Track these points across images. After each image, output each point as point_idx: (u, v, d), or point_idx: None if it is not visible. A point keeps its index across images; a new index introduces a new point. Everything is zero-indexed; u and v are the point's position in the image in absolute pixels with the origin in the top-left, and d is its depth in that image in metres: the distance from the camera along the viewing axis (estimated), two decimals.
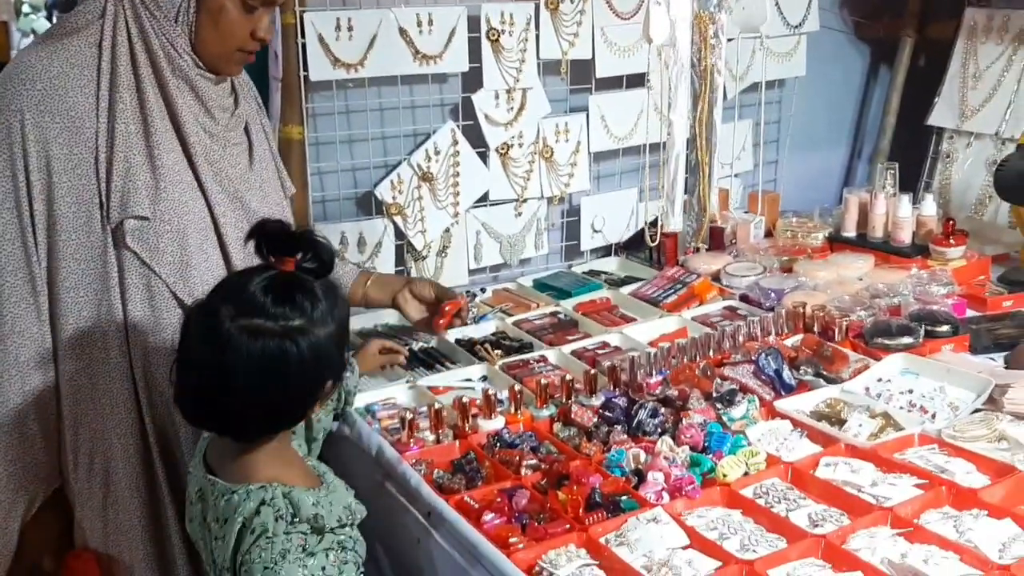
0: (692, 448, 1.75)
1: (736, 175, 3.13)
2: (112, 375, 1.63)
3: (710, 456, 1.72)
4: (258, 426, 1.38)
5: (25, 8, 6.97)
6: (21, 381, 1.60)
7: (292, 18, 2.30)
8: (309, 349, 1.33)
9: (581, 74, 2.77)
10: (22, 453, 1.62)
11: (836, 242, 2.81)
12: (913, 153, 3.28)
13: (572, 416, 1.88)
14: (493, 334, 2.41)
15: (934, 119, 3.22)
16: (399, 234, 2.60)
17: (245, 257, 1.60)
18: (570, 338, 2.36)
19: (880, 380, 2.03)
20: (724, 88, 2.77)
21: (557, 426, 1.89)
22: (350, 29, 2.37)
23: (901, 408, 1.91)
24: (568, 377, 1.99)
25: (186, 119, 1.63)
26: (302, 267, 1.37)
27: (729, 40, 2.89)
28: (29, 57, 1.58)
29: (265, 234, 1.39)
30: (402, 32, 2.44)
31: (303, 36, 2.32)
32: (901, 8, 3.32)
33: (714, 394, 1.92)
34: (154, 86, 1.60)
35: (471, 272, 2.76)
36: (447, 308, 2.14)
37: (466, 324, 2.28)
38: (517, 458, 1.73)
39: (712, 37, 2.59)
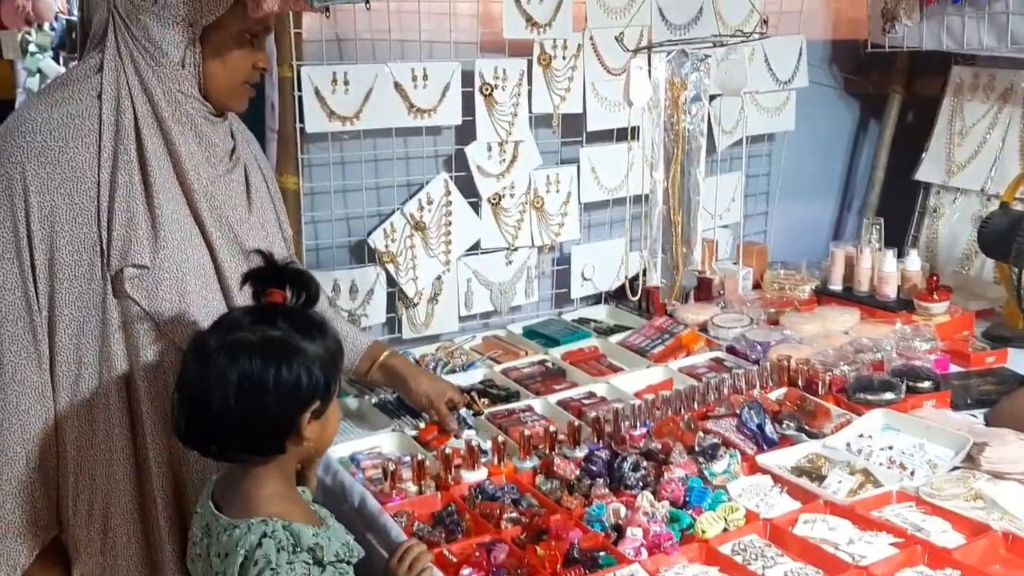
0: (672, 503, 1.76)
1: (725, 226, 3.17)
2: (112, 421, 1.64)
3: (690, 511, 1.74)
4: (245, 441, 1.43)
5: (31, 48, 7.08)
6: (21, 430, 1.61)
7: (289, 71, 2.36)
8: (289, 357, 1.41)
9: (572, 127, 2.83)
10: (23, 501, 1.63)
11: (823, 295, 2.84)
12: (901, 207, 3.33)
13: (555, 468, 1.90)
14: (481, 382, 2.44)
15: (921, 174, 3.27)
16: (391, 281, 2.63)
17: (245, 302, 1.62)
18: (557, 387, 2.38)
19: (861, 436, 2.05)
20: (713, 144, 2.82)
21: (540, 478, 1.90)
22: (346, 83, 2.43)
23: (881, 464, 1.92)
24: (552, 428, 2.01)
25: (189, 167, 1.65)
26: (288, 299, 1.50)
27: (717, 96, 2.96)
28: (29, 111, 1.62)
29: (254, 273, 1.52)
30: (397, 86, 2.50)
31: (299, 89, 2.38)
32: (889, 65, 3.39)
33: (696, 448, 1.94)
34: (157, 135, 1.63)
35: (461, 319, 2.79)
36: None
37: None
38: (498, 511, 1.74)
39: (686, 102, 2.64)
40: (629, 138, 2.60)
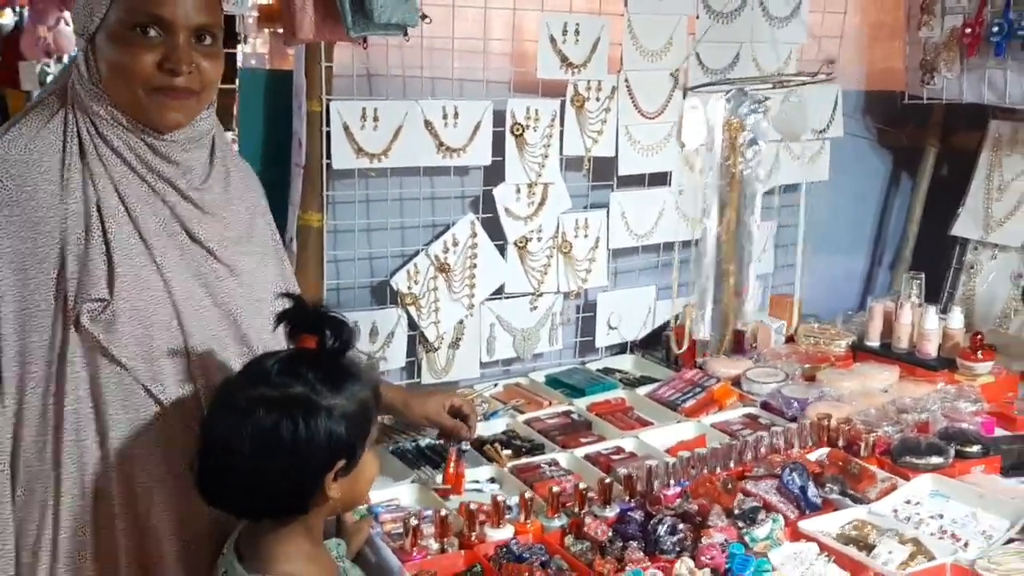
0: (713, 571, 1.65)
1: (756, 277, 3.07)
2: (77, 493, 1.46)
3: None
4: (263, 501, 1.36)
5: (49, 79, 7.11)
6: None
7: (318, 106, 2.29)
8: (309, 416, 1.33)
9: (603, 171, 2.76)
10: None
11: (860, 351, 2.74)
12: (935, 262, 3.24)
13: (585, 529, 1.79)
14: (503, 432, 2.34)
15: (958, 229, 3.19)
16: (412, 324, 2.54)
17: (206, 335, 1.49)
18: (584, 440, 2.29)
19: (909, 502, 1.94)
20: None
21: (569, 539, 1.80)
22: (375, 119, 2.36)
23: (932, 534, 1.82)
24: (582, 485, 1.91)
25: (129, 192, 1.46)
26: (323, 345, 1.39)
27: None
28: None
29: (285, 315, 1.41)
30: (427, 124, 2.43)
31: (328, 124, 2.31)
32: (924, 117, 3.32)
33: (736, 511, 1.84)
34: (95, 156, 1.45)
35: (483, 365, 2.70)
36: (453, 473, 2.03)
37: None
38: (526, 574, 1.63)
39: (743, 144, 2.56)
40: (671, 179, 2.51)
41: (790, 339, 2.84)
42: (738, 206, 2.57)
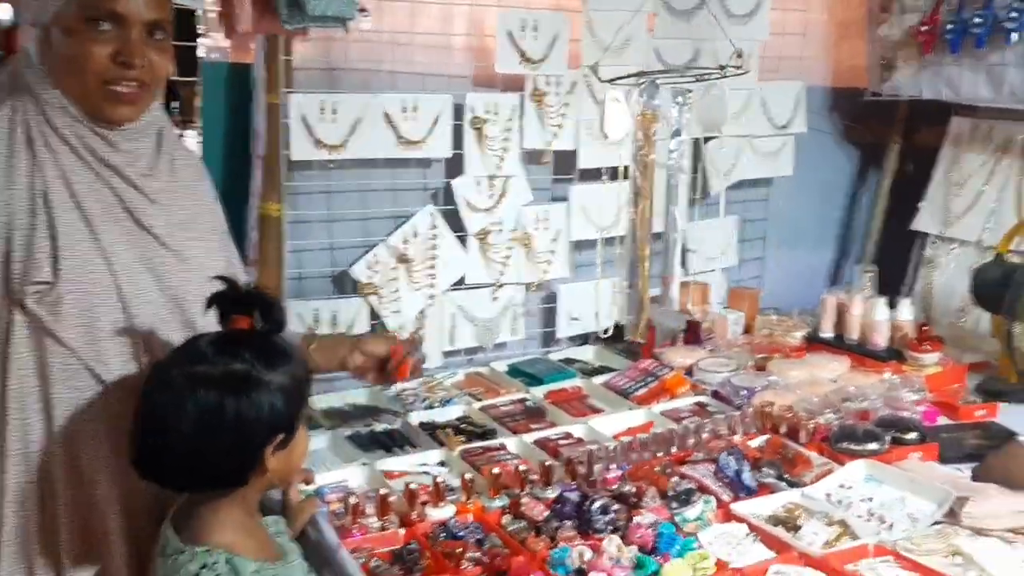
0: (640, 548, 1.71)
1: (712, 270, 3.13)
2: (23, 470, 1.49)
3: (657, 558, 1.68)
4: (204, 475, 1.39)
5: None
6: None
7: (276, 98, 2.35)
8: (251, 390, 1.36)
9: (564, 164, 2.81)
10: None
11: (813, 342, 2.79)
12: (900, 256, 3.29)
13: (522, 509, 1.85)
14: (458, 418, 2.40)
15: (918, 224, 3.24)
16: (373, 314, 2.60)
17: (151, 318, 1.52)
18: (535, 426, 2.34)
19: (842, 486, 1.99)
20: (705, 186, 2.79)
21: (507, 518, 1.85)
22: (334, 112, 2.42)
23: (859, 516, 1.87)
24: (523, 468, 1.96)
25: (75, 178, 1.49)
26: (255, 326, 1.43)
27: (714, 138, 2.95)
28: None
29: (218, 297, 1.44)
30: (386, 117, 2.49)
31: (287, 116, 2.37)
32: (888, 114, 3.37)
33: (670, 492, 1.89)
34: (42, 143, 1.48)
35: (446, 354, 2.75)
36: (398, 357, 1.86)
37: (421, 375, 2.12)
38: (460, 550, 1.69)
39: (655, 134, 2.60)
40: (607, 176, 2.58)
41: (748, 331, 2.90)
42: (652, 195, 2.62)
